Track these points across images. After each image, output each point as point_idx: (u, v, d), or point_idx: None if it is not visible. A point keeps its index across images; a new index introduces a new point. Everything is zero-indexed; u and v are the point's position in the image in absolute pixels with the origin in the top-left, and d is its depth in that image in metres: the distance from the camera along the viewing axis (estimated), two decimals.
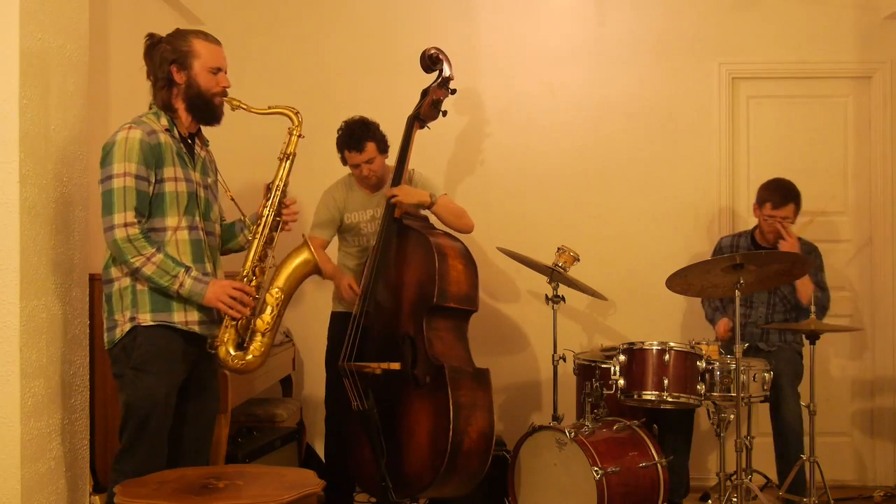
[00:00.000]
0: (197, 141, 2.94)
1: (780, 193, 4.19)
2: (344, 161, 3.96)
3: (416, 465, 3.48)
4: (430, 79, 3.89)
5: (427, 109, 3.84)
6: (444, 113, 3.89)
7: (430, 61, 3.87)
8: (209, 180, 2.96)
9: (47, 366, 2.84)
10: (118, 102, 3.94)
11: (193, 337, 2.82)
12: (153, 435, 2.73)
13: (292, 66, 4.78)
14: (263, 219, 2.92)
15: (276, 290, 2.90)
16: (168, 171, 2.76)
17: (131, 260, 2.68)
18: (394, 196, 3.73)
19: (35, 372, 2.76)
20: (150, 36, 2.87)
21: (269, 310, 2.87)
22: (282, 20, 4.80)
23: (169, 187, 2.77)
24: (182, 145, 2.84)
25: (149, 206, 2.74)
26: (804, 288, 4.10)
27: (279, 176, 2.96)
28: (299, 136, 3.00)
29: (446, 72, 3.86)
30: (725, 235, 4.44)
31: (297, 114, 3.00)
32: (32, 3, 2.75)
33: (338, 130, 3.92)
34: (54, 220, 2.87)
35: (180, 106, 2.85)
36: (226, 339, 2.82)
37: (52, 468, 2.87)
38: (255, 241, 2.91)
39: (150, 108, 2.86)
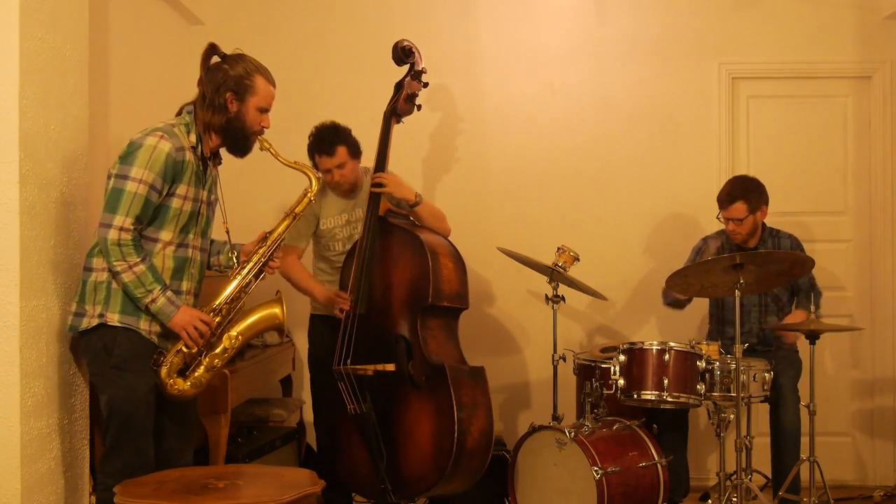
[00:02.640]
0: (214, 159, 2.98)
1: (725, 192, 4.04)
2: (316, 167, 3.90)
3: (419, 466, 3.46)
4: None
5: (403, 104, 3.79)
6: (419, 107, 3.85)
7: (403, 53, 3.81)
8: (213, 197, 2.99)
9: (47, 366, 2.83)
10: (118, 102, 3.94)
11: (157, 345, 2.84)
12: (138, 433, 2.75)
13: (291, 65, 4.77)
14: (251, 264, 2.94)
15: (237, 334, 2.91)
16: (181, 189, 2.79)
17: (114, 263, 2.69)
18: (380, 185, 3.67)
19: (35, 372, 2.76)
20: (213, 47, 2.88)
21: (221, 349, 2.88)
22: (281, 20, 4.80)
23: (176, 203, 2.79)
24: (200, 164, 2.86)
25: (150, 215, 2.76)
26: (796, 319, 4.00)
27: (279, 230, 2.99)
28: (312, 200, 3.06)
29: (418, 65, 3.82)
30: (712, 234, 4.32)
31: (318, 179, 3.09)
32: (32, 2, 2.74)
33: (309, 136, 3.87)
34: (54, 220, 2.87)
35: (218, 130, 2.87)
36: (171, 362, 2.82)
37: (52, 468, 2.87)
38: (236, 282, 2.92)
39: (181, 114, 2.87)
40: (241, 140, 2.91)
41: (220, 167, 3.05)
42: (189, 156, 2.80)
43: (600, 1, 4.81)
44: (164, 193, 2.76)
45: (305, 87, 4.75)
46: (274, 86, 2.94)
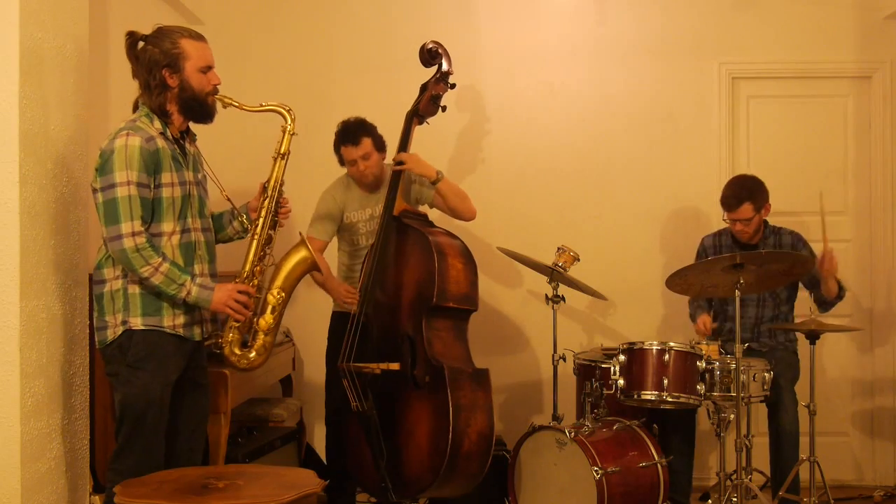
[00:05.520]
0: (187, 138, 2.95)
1: (731, 195, 4.04)
2: (341, 160, 3.94)
3: (416, 467, 3.47)
4: (429, 74, 3.87)
5: (426, 105, 3.81)
6: (444, 108, 3.86)
7: (429, 55, 3.83)
8: (200, 176, 2.96)
9: (47, 366, 2.83)
10: (118, 102, 3.94)
11: (183, 336, 2.84)
12: (150, 432, 2.75)
13: (292, 65, 4.78)
14: (262, 219, 2.95)
15: (277, 290, 2.97)
16: (165, 177, 2.77)
17: (140, 270, 2.69)
18: (401, 162, 3.72)
19: (35, 372, 2.76)
20: (131, 34, 2.84)
21: (270, 309, 2.93)
22: (281, 19, 4.80)
23: (166, 193, 2.77)
24: (175, 146, 2.84)
25: (150, 212, 2.76)
26: (829, 286, 4.01)
27: (275, 175, 2.98)
28: (293, 133, 3.00)
29: (445, 66, 3.82)
30: (707, 234, 4.38)
31: (289, 111, 3.01)
32: (32, 2, 2.74)
33: (335, 130, 3.92)
34: (54, 220, 2.87)
35: (174, 109, 2.84)
36: (230, 340, 2.89)
37: (52, 468, 2.87)
38: (255, 242, 2.94)
39: (138, 109, 2.85)
40: (198, 107, 2.85)
41: (199, 142, 3.02)
42: (161, 142, 2.77)
43: (600, 1, 4.81)
44: (153, 187, 2.74)
45: (306, 85, 4.75)
46: (205, 41, 2.87)
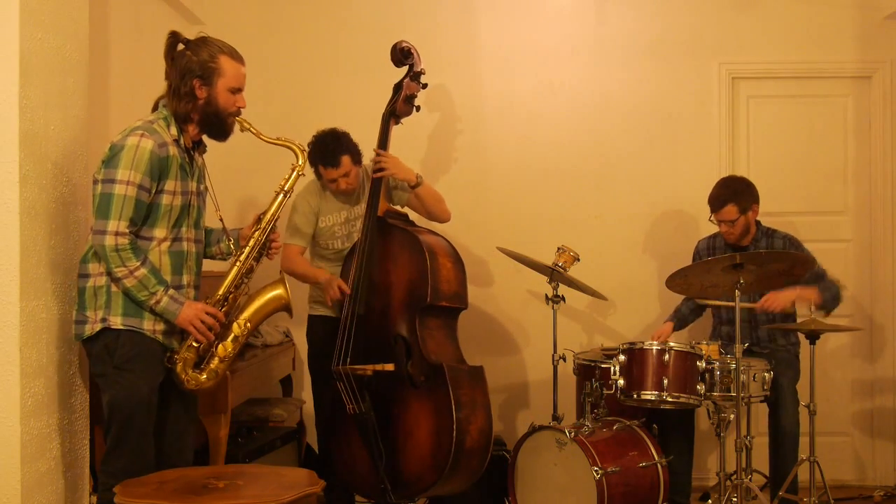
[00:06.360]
0: (198, 149, 2.95)
1: (715, 196, 4.06)
2: (318, 175, 3.89)
3: (418, 466, 3.47)
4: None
5: (402, 104, 3.80)
6: (418, 108, 3.86)
7: (402, 55, 3.82)
8: (202, 187, 2.97)
9: (47, 366, 2.84)
10: (118, 102, 3.94)
11: (162, 343, 2.84)
12: (139, 433, 2.75)
13: (292, 65, 4.78)
14: (249, 248, 2.93)
15: (245, 321, 2.93)
16: (169, 184, 2.77)
17: (115, 269, 2.68)
18: (381, 170, 3.70)
19: (35, 372, 2.76)
20: (174, 35, 2.84)
21: (232, 337, 2.90)
22: (281, 20, 4.79)
23: (166, 199, 2.77)
24: (185, 155, 2.84)
25: (143, 216, 2.75)
26: (806, 297, 3.92)
27: (272, 210, 2.97)
28: (301, 174, 3.01)
29: (417, 66, 3.82)
30: (702, 238, 4.38)
31: (303, 151, 3.03)
32: (32, 2, 2.74)
33: (308, 145, 3.79)
34: (54, 220, 2.87)
35: (194, 118, 2.84)
36: (184, 358, 2.84)
37: (52, 468, 2.87)
38: (236, 269, 2.92)
39: (157, 109, 2.85)
40: (217, 125, 2.86)
41: (205, 155, 3.02)
42: (173, 150, 2.77)
43: (600, 1, 4.81)
44: (153, 192, 2.74)
45: (306, 86, 4.75)
46: (243, 63, 2.88)
